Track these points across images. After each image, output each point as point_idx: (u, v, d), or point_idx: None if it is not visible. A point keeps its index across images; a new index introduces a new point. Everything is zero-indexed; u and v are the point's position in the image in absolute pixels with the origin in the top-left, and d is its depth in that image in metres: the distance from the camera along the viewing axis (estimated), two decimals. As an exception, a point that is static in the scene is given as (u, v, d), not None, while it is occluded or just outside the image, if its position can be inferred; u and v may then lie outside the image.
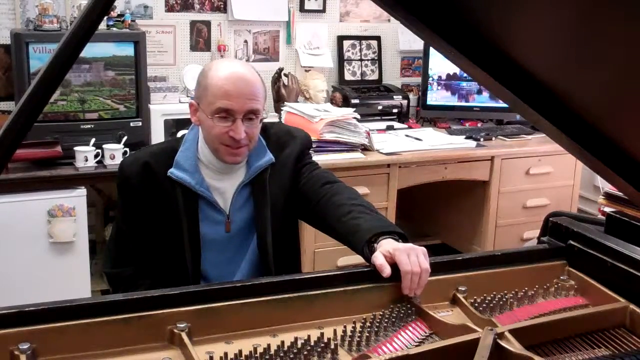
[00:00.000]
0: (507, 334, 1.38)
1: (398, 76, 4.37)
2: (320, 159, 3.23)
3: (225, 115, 1.80)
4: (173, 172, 1.87)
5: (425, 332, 1.48)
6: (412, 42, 4.24)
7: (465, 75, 4.00)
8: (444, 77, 4.13)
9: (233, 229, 1.93)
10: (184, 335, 1.37)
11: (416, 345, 1.43)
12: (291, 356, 1.35)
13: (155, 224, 1.90)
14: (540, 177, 3.88)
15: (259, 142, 1.92)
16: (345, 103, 3.90)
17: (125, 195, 1.93)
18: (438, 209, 4.18)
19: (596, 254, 1.66)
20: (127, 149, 3.09)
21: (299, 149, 1.99)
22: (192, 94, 2.16)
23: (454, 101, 4.16)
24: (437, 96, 4.16)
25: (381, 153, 3.46)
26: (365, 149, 3.47)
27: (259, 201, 1.93)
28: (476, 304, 1.58)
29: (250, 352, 1.35)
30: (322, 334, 1.42)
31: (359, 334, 1.43)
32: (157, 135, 3.29)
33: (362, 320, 1.48)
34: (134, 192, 1.90)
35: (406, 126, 4.00)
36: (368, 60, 4.22)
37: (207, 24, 3.80)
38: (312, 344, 1.39)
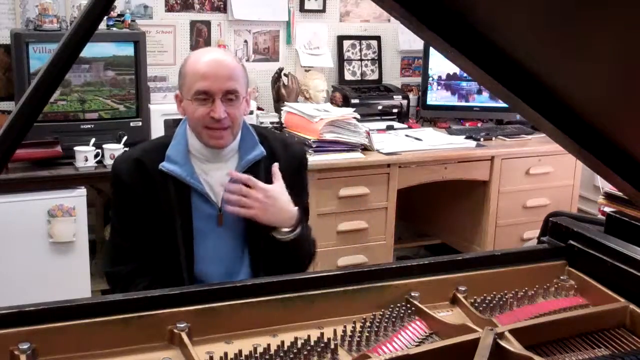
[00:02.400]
0: (507, 334, 1.37)
1: (398, 76, 4.36)
2: (320, 159, 3.24)
3: (205, 97, 1.84)
4: (164, 165, 1.89)
5: (425, 332, 1.48)
6: (412, 42, 4.24)
7: (465, 75, 4.00)
8: (444, 77, 4.13)
9: (225, 223, 1.93)
10: (184, 335, 1.37)
11: (416, 345, 1.42)
12: (291, 356, 1.35)
13: (149, 219, 1.90)
14: (540, 177, 3.88)
15: (250, 135, 1.93)
16: (345, 103, 3.89)
17: (118, 192, 1.94)
18: (438, 209, 4.18)
19: (596, 254, 1.66)
20: (127, 149, 3.09)
21: (298, 162, 2.04)
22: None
23: (454, 101, 4.16)
24: (437, 96, 4.16)
25: (381, 153, 3.46)
26: (365, 148, 3.47)
27: None
28: (476, 304, 1.58)
29: (250, 352, 1.35)
30: (322, 334, 1.42)
31: (359, 334, 1.43)
32: (157, 135, 3.28)
33: (362, 320, 1.48)
34: (127, 189, 1.91)
35: (406, 126, 3.99)
36: (368, 60, 4.22)
37: (207, 23, 3.80)
38: (312, 344, 1.39)
